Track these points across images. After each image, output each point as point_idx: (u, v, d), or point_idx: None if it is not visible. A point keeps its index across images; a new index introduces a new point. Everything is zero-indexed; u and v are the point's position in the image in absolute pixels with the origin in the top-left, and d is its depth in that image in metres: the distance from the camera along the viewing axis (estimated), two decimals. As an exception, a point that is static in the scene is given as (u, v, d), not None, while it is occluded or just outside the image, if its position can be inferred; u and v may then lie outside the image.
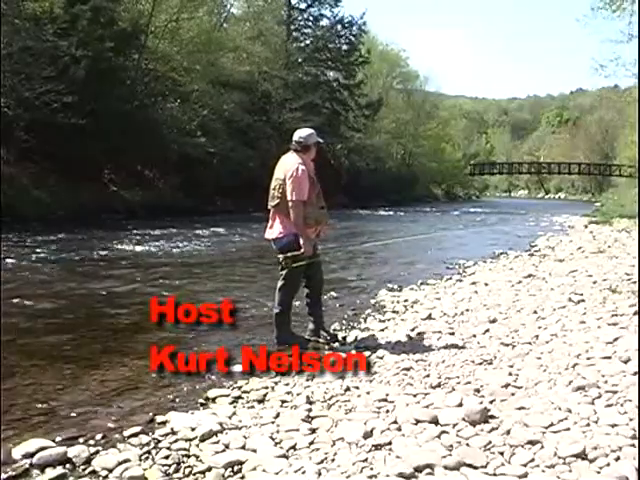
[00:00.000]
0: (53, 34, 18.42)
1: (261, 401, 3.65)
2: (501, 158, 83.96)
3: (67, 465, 2.87)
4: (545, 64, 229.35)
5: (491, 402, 3.28)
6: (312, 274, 4.98)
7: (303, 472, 2.66)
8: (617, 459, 2.53)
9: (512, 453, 2.68)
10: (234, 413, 3.44)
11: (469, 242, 15.76)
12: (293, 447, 2.94)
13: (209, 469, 2.80)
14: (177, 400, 3.73)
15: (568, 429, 2.85)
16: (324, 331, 5.07)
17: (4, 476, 2.75)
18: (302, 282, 5.01)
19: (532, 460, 2.59)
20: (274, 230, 4.84)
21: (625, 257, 9.58)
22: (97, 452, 2.98)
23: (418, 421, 3.08)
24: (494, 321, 5.38)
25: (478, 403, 3.22)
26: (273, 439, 3.04)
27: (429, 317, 5.74)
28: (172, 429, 3.23)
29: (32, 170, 17.91)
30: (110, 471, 2.80)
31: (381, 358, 4.41)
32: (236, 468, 2.80)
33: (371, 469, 2.62)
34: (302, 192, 4.66)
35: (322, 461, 2.76)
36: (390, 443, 2.87)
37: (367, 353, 4.57)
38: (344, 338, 5.13)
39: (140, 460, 2.91)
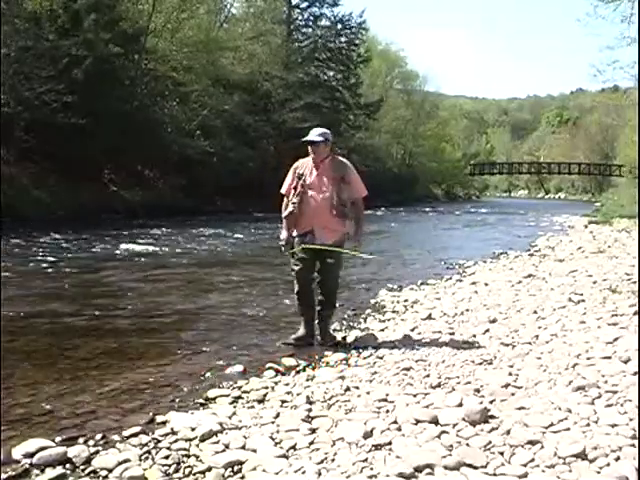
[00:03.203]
0: (53, 32, 18.43)
1: (261, 401, 3.65)
2: (501, 158, 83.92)
3: (67, 465, 2.86)
4: (545, 64, 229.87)
5: (491, 402, 3.28)
6: (323, 278, 4.98)
7: (303, 472, 2.66)
8: (617, 459, 2.53)
9: (512, 453, 2.67)
10: (234, 413, 3.44)
11: (469, 242, 15.76)
12: (293, 447, 2.94)
13: (209, 469, 2.79)
14: (177, 400, 3.72)
15: (568, 429, 2.85)
16: (322, 334, 5.02)
17: (4, 476, 2.75)
18: (306, 282, 5.00)
19: (532, 460, 2.59)
20: None
21: (625, 257, 9.59)
22: (97, 452, 2.98)
23: (418, 421, 3.07)
24: (494, 321, 5.38)
25: (478, 403, 3.22)
26: (273, 439, 3.04)
27: (429, 317, 5.74)
28: (172, 429, 3.22)
29: (32, 170, 17.91)
30: (110, 471, 2.79)
31: (381, 358, 4.41)
32: (236, 468, 2.79)
33: (371, 469, 2.62)
34: (283, 186, 5.05)
35: (322, 461, 2.76)
36: (390, 443, 2.86)
37: (367, 353, 4.57)
38: (344, 338, 5.12)
39: (140, 460, 2.90)
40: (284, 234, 5.01)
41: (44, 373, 4.17)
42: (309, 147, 4.91)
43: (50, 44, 18.25)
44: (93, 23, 19.15)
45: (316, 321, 5.07)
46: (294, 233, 4.96)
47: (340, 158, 5.10)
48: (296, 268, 4.98)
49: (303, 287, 5.01)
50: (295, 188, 4.91)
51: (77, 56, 18.47)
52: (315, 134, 4.91)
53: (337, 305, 5.28)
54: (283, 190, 5.03)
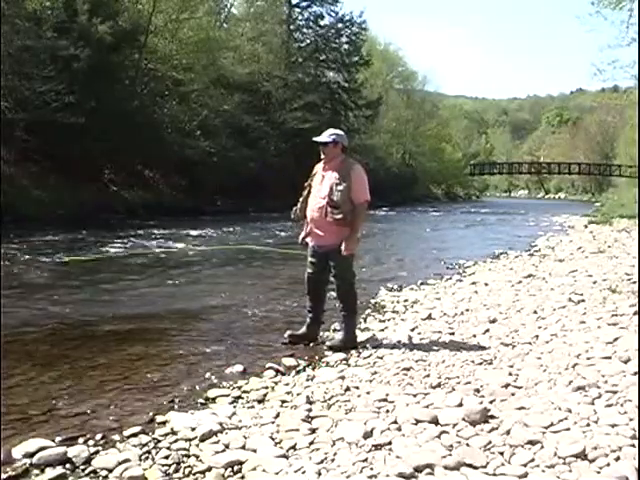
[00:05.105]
0: (54, 31, 18.41)
1: (261, 401, 3.65)
2: (501, 158, 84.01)
3: (67, 465, 2.87)
4: (545, 64, 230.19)
5: (491, 402, 3.28)
6: (334, 281, 5.02)
7: (303, 472, 2.66)
8: (617, 459, 2.53)
9: (512, 453, 2.68)
10: (234, 413, 3.44)
11: (469, 242, 15.76)
12: (293, 447, 2.94)
13: (209, 469, 2.80)
14: (177, 400, 3.72)
15: (568, 429, 2.85)
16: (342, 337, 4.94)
17: (4, 476, 2.75)
18: (311, 283, 5.02)
19: (532, 460, 2.59)
20: None
21: (625, 257, 9.59)
22: (97, 452, 2.98)
23: (418, 421, 3.08)
24: (494, 321, 5.38)
25: (478, 403, 3.22)
26: (273, 439, 3.04)
27: (429, 317, 5.74)
28: (172, 429, 3.22)
29: (32, 170, 17.90)
30: (110, 471, 2.79)
31: (381, 358, 4.41)
32: (236, 468, 2.79)
33: (371, 469, 2.62)
34: None
35: (322, 461, 2.76)
36: (390, 443, 2.86)
37: (367, 353, 4.57)
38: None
39: (140, 460, 2.90)
40: (303, 233, 5.10)
41: (44, 373, 4.17)
42: (320, 148, 4.87)
43: (50, 42, 18.21)
44: (89, 15, 19.07)
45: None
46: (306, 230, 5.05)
47: (351, 160, 4.91)
48: (306, 269, 5.04)
49: (308, 288, 5.04)
50: (309, 190, 4.97)
51: (77, 55, 18.44)
52: (325, 135, 4.86)
53: (357, 311, 5.16)
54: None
